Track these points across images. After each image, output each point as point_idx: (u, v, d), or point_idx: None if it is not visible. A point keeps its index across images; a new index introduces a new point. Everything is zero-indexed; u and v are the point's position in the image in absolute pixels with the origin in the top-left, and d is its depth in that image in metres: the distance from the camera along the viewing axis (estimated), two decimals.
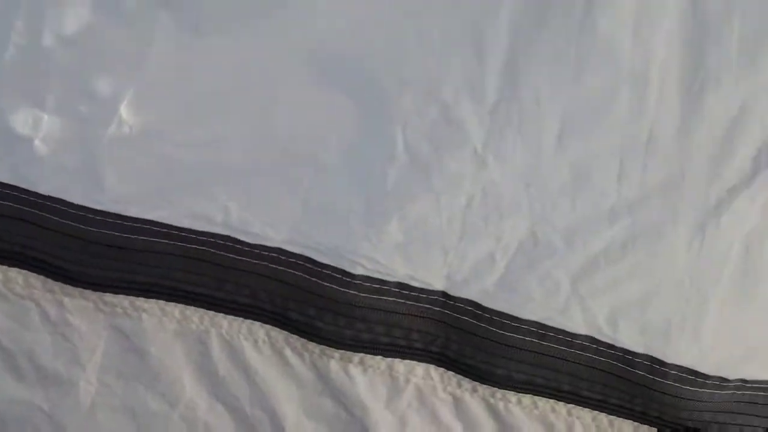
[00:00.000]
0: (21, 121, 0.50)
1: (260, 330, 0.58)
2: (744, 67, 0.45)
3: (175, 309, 0.57)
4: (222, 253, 0.55)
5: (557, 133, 0.48)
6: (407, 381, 0.59)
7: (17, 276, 0.55)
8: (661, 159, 0.48)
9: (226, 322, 0.57)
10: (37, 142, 0.51)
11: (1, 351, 0.56)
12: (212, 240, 0.55)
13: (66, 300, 0.56)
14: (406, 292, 0.55)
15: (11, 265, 0.55)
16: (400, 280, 0.55)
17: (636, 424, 0.60)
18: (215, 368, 0.58)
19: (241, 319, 0.57)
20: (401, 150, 0.49)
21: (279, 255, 0.55)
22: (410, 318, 0.56)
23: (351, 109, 0.48)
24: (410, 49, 0.47)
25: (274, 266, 0.55)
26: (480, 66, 0.47)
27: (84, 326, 0.56)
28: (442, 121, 0.48)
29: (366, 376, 0.58)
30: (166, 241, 0.55)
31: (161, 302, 0.57)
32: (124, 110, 0.50)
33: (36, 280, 0.56)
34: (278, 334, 0.58)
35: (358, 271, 0.54)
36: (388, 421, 0.59)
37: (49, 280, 0.56)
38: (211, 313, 0.57)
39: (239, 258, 0.55)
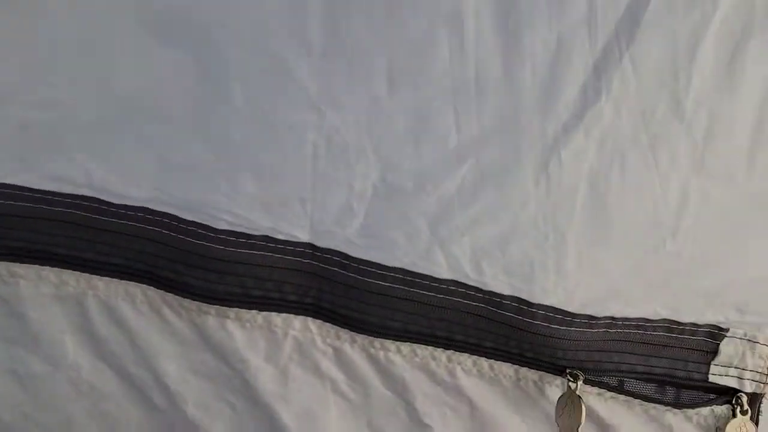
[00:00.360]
0: None
1: (137, 290, 0.59)
2: (553, 6, 0.46)
3: (51, 273, 0.58)
4: (89, 214, 0.56)
5: (386, 79, 0.49)
6: (286, 334, 0.60)
7: None
8: (492, 99, 0.48)
9: (102, 283, 0.59)
10: None
11: None
12: (78, 202, 0.56)
13: None
14: (273, 245, 0.56)
15: None
16: (264, 233, 0.56)
17: (516, 366, 0.61)
18: (96, 330, 0.59)
19: (117, 280, 0.58)
20: (241, 102, 0.50)
21: (145, 214, 0.56)
22: (280, 271, 0.57)
23: (188, 64, 0.49)
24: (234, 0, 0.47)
25: (141, 225, 0.56)
26: (302, 14, 0.47)
27: None
28: (274, 72, 0.49)
29: (244, 331, 0.59)
30: (32, 205, 0.56)
31: (36, 267, 0.58)
32: None
33: None
34: (154, 294, 0.59)
35: (222, 225, 0.55)
36: (269, 374, 0.60)
37: None
38: (87, 275, 0.58)
39: (107, 219, 0.56)
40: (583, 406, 0.59)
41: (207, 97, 0.50)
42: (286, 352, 0.60)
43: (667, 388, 0.62)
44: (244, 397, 0.61)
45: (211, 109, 0.50)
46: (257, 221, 0.55)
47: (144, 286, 0.59)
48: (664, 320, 0.59)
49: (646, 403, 0.61)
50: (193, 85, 0.50)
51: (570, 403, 0.60)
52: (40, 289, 0.58)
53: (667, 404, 0.61)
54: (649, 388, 0.62)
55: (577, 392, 0.59)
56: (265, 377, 0.60)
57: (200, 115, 0.51)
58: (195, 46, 0.49)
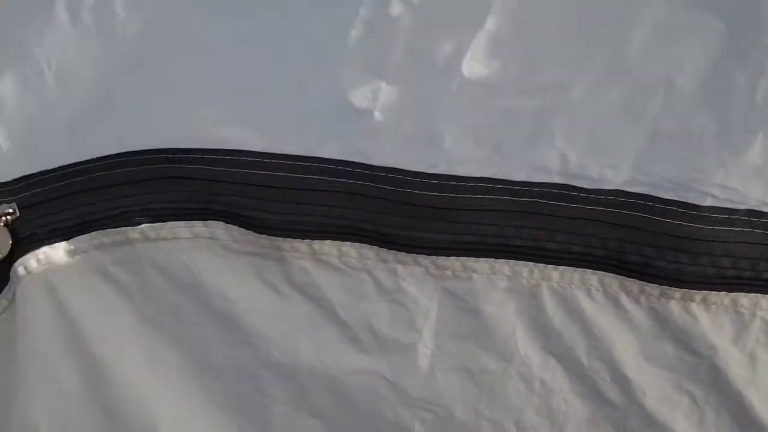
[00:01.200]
0: (361, 94, 0.51)
1: (593, 278, 0.56)
2: None
3: (505, 266, 0.57)
4: (555, 202, 0.54)
5: None
6: (753, 315, 0.56)
7: (350, 249, 0.57)
8: None
9: (556, 273, 0.56)
10: (376, 114, 0.52)
11: (341, 324, 0.58)
12: (546, 190, 0.54)
13: (399, 267, 0.57)
14: (756, 220, 0.52)
15: (343, 239, 0.57)
16: (750, 207, 0.52)
17: None
18: (549, 322, 0.57)
19: (572, 268, 0.56)
20: None
21: (616, 197, 0.53)
22: (759, 248, 0.53)
23: (718, 29, 0.46)
24: None
25: (610, 210, 0.54)
26: None
27: (416, 292, 0.57)
28: None
29: (709, 314, 0.56)
30: (498, 197, 0.54)
31: (491, 260, 0.56)
32: (465, 67, 0.50)
33: (369, 251, 0.57)
34: (612, 281, 0.56)
35: (707, 202, 0.52)
36: (736, 359, 0.56)
37: (383, 250, 0.57)
38: (541, 265, 0.56)
39: (573, 206, 0.54)
40: None
41: (731, 61, 0.47)
42: (753, 334, 0.56)
43: None
44: (707, 385, 0.57)
45: (731, 73, 0.47)
46: (749, 194, 0.51)
47: (601, 273, 0.56)
48: None
49: None
50: (716, 49, 0.46)
51: None
52: (494, 283, 0.57)
53: None
54: None
55: None
56: (733, 362, 0.56)
57: (716, 81, 0.47)
58: (733, 10, 0.45)
